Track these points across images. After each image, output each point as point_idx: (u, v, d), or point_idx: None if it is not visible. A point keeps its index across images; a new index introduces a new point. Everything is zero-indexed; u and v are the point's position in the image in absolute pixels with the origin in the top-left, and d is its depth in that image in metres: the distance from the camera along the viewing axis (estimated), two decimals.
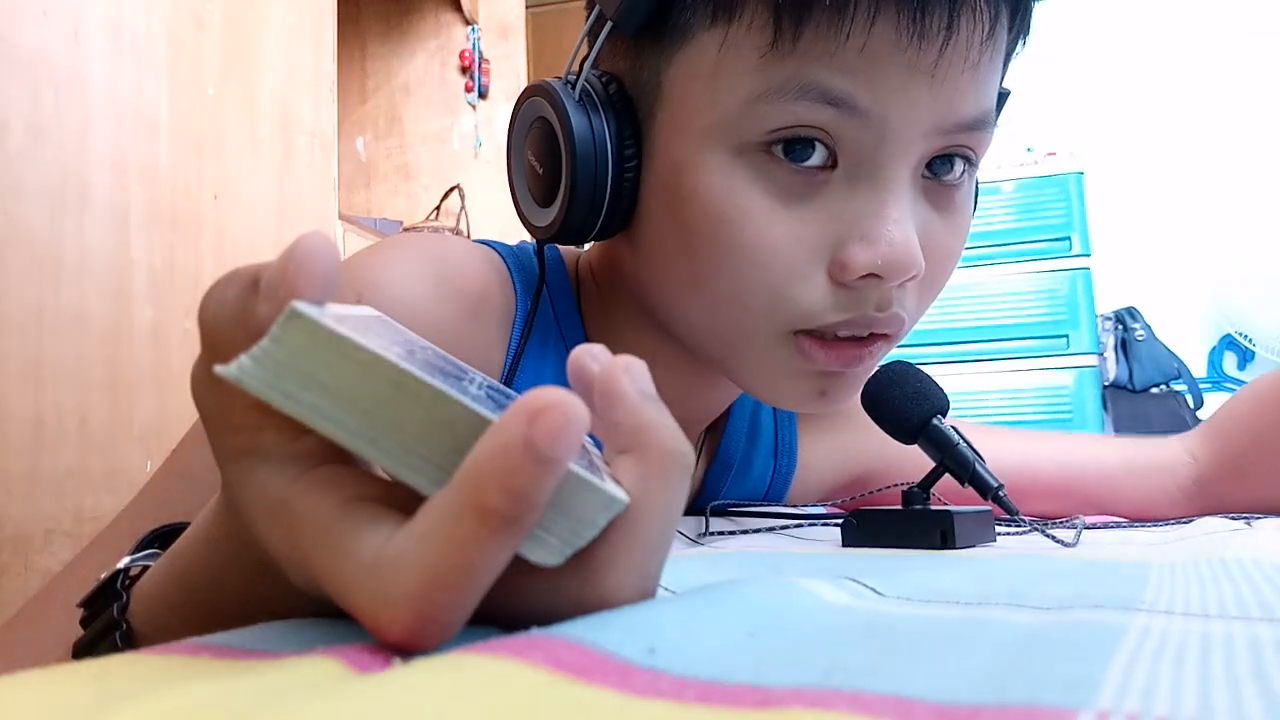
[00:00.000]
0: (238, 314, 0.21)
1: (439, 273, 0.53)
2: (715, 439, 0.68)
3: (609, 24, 0.49)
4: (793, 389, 0.50)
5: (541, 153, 0.51)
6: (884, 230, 0.45)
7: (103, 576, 0.31)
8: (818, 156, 0.46)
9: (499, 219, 2.09)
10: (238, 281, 0.22)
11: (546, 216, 0.51)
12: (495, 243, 0.59)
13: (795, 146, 0.45)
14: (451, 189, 2.12)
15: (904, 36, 0.43)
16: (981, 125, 0.47)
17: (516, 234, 0.61)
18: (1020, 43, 0.50)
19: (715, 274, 0.47)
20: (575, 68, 0.51)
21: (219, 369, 0.20)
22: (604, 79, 0.50)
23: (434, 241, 0.56)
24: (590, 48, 0.50)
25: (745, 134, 0.46)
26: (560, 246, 0.61)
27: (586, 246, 0.58)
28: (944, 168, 0.48)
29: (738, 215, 0.46)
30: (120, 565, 0.31)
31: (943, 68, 0.44)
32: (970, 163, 0.49)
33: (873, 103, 0.44)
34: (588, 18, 0.51)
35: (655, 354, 0.56)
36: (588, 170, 0.48)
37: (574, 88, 0.49)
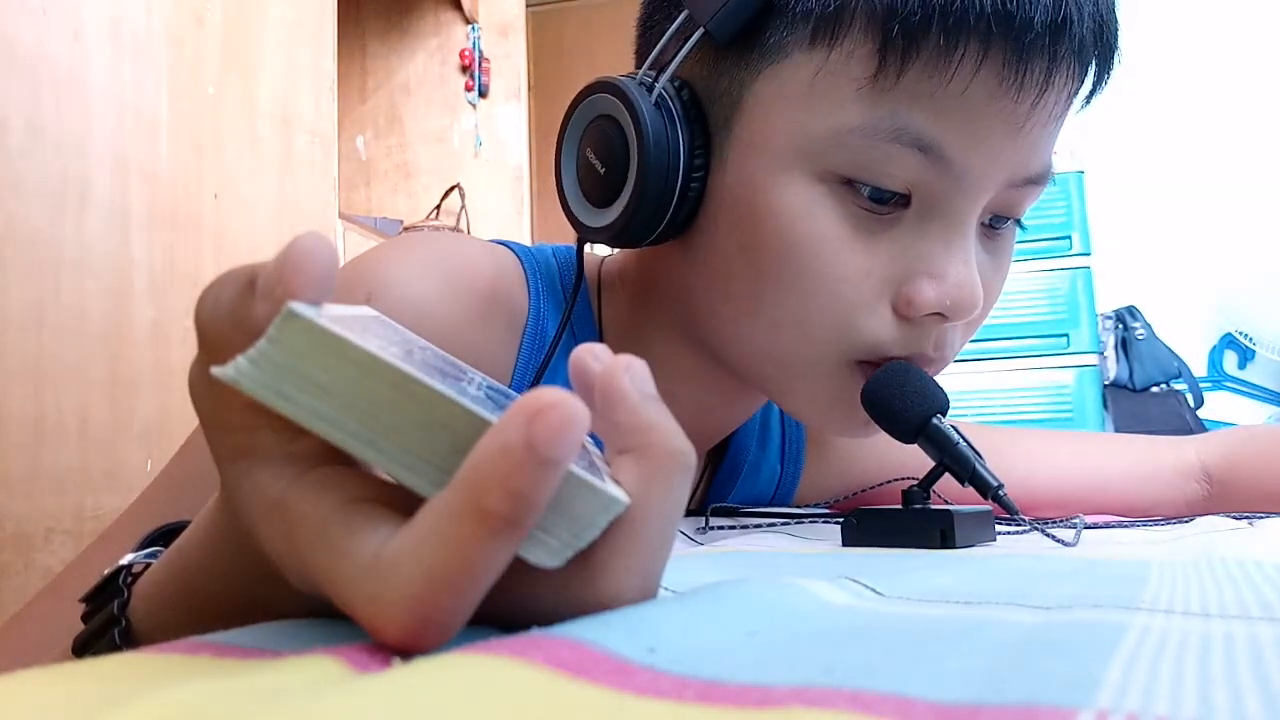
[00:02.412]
0: (234, 314, 0.21)
1: (449, 272, 0.52)
2: (724, 444, 0.68)
3: (699, 30, 0.47)
4: (844, 415, 0.51)
5: (605, 153, 0.49)
6: (953, 270, 0.46)
7: (105, 572, 0.31)
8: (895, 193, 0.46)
9: (499, 218, 2.09)
10: (234, 281, 0.21)
11: (602, 218, 0.50)
12: (512, 243, 0.58)
13: None
14: (451, 188, 2.12)
15: (1003, 85, 0.44)
16: (1042, 179, 0.49)
17: (516, 233, 0.61)
18: (1085, 103, 0.50)
19: (780, 296, 0.47)
20: (653, 70, 0.49)
21: (215, 370, 0.19)
22: (676, 83, 0.49)
23: (445, 240, 0.56)
24: (673, 51, 0.48)
25: (829, 163, 0.45)
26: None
27: (612, 250, 0.57)
28: (999, 219, 0.50)
29: (812, 241, 0.46)
30: (124, 561, 0.31)
31: (1030, 123, 0.45)
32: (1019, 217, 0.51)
33: (960, 153, 0.45)
34: (666, 17, 0.50)
35: (680, 365, 0.55)
36: (659, 178, 0.47)
37: (650, 91, 0.48)
